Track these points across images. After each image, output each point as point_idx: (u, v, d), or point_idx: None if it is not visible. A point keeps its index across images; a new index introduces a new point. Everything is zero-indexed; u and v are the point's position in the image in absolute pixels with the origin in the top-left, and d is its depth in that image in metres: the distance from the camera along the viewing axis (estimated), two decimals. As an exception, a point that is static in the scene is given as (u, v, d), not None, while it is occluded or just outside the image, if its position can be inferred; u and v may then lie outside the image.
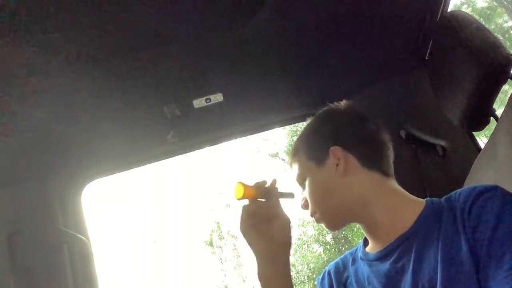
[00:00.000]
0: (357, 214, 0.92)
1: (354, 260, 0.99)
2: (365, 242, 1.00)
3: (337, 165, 0.92)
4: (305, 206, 0.97)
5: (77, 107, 1.21)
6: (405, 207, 0.90)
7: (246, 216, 0.93)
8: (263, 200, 0.96)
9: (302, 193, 1.00)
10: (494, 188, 0.78)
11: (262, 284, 0.90)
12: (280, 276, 0.89)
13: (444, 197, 0.89)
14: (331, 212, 0.94)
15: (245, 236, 0.93)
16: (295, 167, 1.01)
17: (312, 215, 0.95)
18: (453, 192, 0.86)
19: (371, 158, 0.93)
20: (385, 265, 0.86)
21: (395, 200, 0.91)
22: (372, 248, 0.94)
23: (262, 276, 0.90)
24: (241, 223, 0.93)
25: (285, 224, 0.94)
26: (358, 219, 0.94)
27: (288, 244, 0.94)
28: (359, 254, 0.98)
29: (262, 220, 0.93)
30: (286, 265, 0.92)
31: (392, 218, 0.89)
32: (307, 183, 0.97)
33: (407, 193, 0.93)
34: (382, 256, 0.88)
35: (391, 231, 0.88)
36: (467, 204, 0.78)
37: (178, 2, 0.98)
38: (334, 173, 0.92)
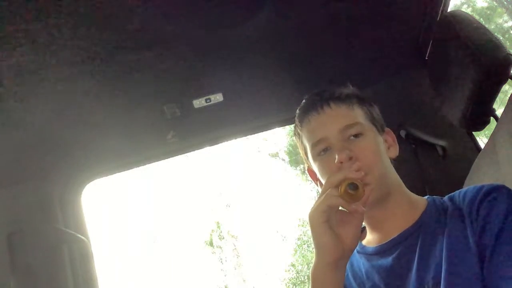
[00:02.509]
0: (388, 195, 0.88)
1: None
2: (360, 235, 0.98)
3: (388, 148, 0.94)
4: (350, 159, 0.83)
5: (77, 107, 1.21)
6: (410, 204, 0.90)
7: (325, 208, 0.76)
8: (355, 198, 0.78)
9: (336, 147, 0.87)
10: (501, 188, 0.79)
11: (314, 283, 0.79)
12: (338, 281, 0.78)
13: (446, 196, 0.89)
14: (382, 177, 0.86)
15: (314, 230, 0.77)
16: (347, 111, 0.91)
17: (361, 176, 0.79)
18: (457, 192, 0.87)
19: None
20: (387, 260, 0.86)
21: (405, 195, 0.92)
22: (370, 242, 0.93)
23: (317, 276, 0.79)
24: (315, 213, 0.77)
25: (359, 225, 0.80)
26: (380, 203, 0.88)
27: (355, 247, 0.81)
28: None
29: (341, 218, 0.79)
30: (344, 270, 0.81)
31: (401, 212, 0.89)
32: (363, 139, 0.88)
33: (409, 191, 0.94)
34: (383, 251, 0.87)
35: (395, 225, 0.87)
36: (475, 204, 0.78)
37: (178, 2, 0.98)
38: (386, 149, 0.93)
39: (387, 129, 0.98)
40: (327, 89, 0.95)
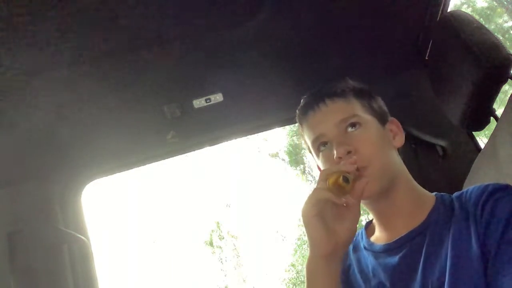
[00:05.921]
0: (393, 188, 0.88)
1: (356, 248, 0.98)
2: (367, 232, 0.98)
3: (394, 137, 0.94)
4: (348, 153, 0.84)
5: (77, 107, 1.21)
6: (418, 200, 0.90)
7: (315, 202, 0.78)
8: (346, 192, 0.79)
9: (335, 142, 0.87)
10: (506, 188, 0.78)
11: (309, 277, 0.81)
12: (331, 274, 0.80)
13: (454, 194, 0.88)
14: (383, 168, 0.86)
15: (305, 223, 0.79)
16: (343, 105, 0.91)
17: (354, 169, 0.80)
18: (464, 190, 0.86)
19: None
20: (394, 259, 0.85)
21: (413, 190, 0.92)
22: (378, 239, 0.93)
23: (312, 270, 0.81)
24: (306, 207, 0.78)
25: (355, 220, 0.80)
26: (386, 196, 0.88)
27: (350, 241, 0.82)
28: (363, 243, 0.96)
29: (337, 212, 0.80)
30: (340, 263, 0.82)
31: (409, 208, 0.88)
32: (361, 130, 0.88)
33: (418, 185, 0.94)
34: (391, 249, 0.87)
35: (403, 223, 0.87)
36: (480, 204, 0.78)
37: (178, 2, 0.98)
38: (390, 139, 0.93)
39: (391, 118, 0.98)
40: (324, 87, 0.96)
